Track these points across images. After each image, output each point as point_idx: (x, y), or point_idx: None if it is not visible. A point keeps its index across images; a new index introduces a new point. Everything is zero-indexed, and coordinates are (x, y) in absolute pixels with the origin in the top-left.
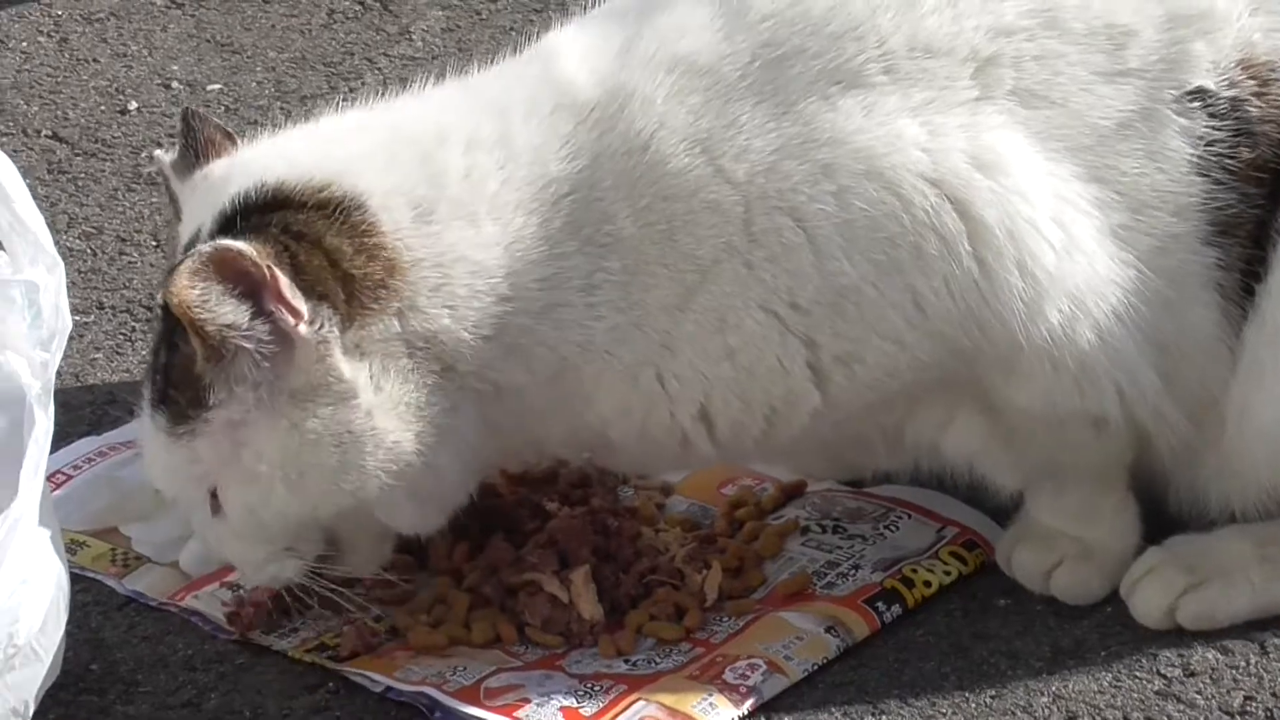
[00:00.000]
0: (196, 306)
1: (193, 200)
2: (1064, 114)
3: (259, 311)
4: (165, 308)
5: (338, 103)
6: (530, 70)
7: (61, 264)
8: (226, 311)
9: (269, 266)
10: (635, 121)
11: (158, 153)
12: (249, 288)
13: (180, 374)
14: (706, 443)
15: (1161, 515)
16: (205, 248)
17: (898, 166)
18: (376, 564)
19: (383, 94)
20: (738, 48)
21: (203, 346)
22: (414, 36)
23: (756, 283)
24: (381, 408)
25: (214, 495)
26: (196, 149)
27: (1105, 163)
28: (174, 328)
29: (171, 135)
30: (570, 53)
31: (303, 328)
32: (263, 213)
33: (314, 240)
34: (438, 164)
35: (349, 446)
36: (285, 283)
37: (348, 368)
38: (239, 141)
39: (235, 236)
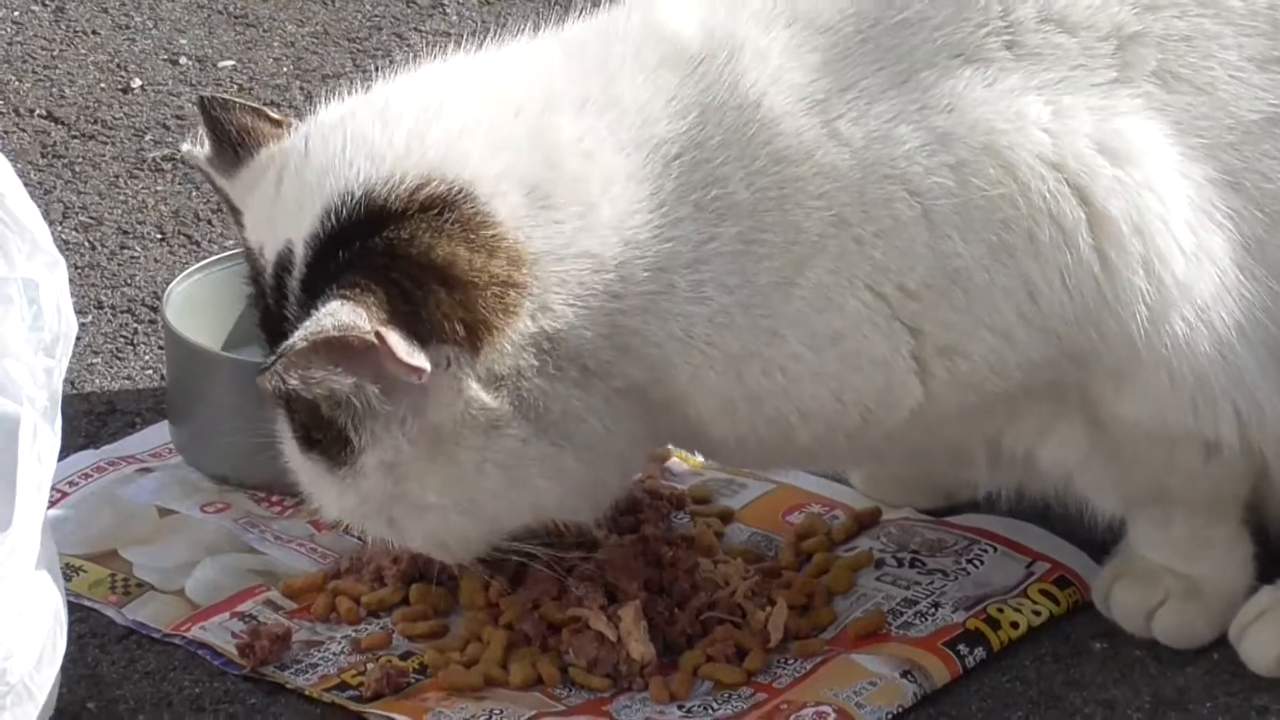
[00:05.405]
0: (299, 388)
1: (258, 203)
2: (1208, 102)
3: (374, 374)
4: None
5: (373, 73)
6: (629, 22)
7: (63, 262)
8: (334, 382)
9: (378, 333)
10: (746, 75)
11: (186, 148)
12: (359, 351)
13: (313, 416)
14: (806, 438)
15: (1277, 554)
16: (310, 332)
17: (1016, 146)
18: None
19: (433, 55)
20: (862, 7)
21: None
22: (448, 9)
23: (865, 260)
24: (535, 428)
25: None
26: (232, 141)
27: (1245, 165)
28: None
29: (179, 117)
30: (669, 3)
31: (428, 379)
32: (362, 234)
33: (424, 261)
34: (549, 136)
35: (514, 469)
36: (400, 343)
37: (490, 396)
38: (274, 117)
39: (340, 279)
